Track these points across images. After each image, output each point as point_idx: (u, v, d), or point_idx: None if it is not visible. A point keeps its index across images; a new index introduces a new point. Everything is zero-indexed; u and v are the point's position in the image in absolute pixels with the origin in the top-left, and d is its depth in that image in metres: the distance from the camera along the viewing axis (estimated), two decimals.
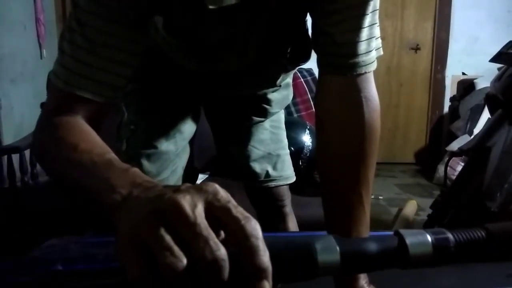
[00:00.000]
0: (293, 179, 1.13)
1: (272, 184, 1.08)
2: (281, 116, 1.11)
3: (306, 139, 1.85)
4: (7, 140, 2.19)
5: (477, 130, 2.92)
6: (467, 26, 3.68)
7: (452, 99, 3.72)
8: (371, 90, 0.66)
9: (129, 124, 0.95)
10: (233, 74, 0.88)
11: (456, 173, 2.06)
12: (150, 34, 0.69)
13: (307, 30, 0.86)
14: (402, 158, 3.98)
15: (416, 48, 3.84)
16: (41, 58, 2.76)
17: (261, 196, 1.11)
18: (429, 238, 0.33)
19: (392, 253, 0.33)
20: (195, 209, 0.31)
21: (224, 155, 1.12)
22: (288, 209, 1.14)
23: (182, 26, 0.72)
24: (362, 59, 0.64)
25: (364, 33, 0.64)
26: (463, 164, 2.21)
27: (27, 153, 1.91)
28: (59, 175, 0.52)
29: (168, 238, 0.30)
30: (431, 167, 3.55)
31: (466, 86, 3.54)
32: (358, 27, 0.63)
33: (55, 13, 3.12)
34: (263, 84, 0.97)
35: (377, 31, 0.66)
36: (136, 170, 0.42)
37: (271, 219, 1.13)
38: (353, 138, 0.65)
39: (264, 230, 0.32)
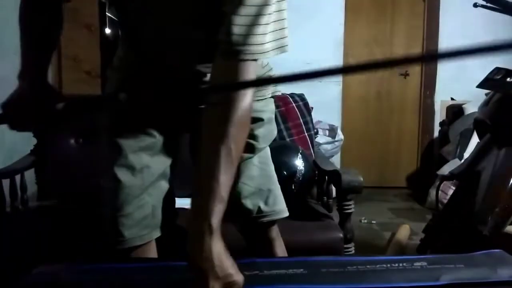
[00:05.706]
0: (285, 213, 1.11)
1: (265, 219, 1.08)
2: (268, 152, 1.11)
3: (299, 163, 1.85)
4: None
5: (467, 154, 2.95)
6: None
7: (441, 123, 3.77)
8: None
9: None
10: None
11: (448, 197, 2.06)
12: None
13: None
14: (394, 182, 3.99)
15: (406, 74, 3.91)
16: None
17: (252, 229, 1.11)
18: None
19: None
20: None
21: None
22: (275, 232, 1.13)
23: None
24: (249, 48, 0.77)
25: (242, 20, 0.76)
26: (454, 188, 2.23)
27: (17, 178, 1.89)
28: None
29: None
30: (423, 191, 3.56)
31: (455, 111, 3.59)
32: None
33: None
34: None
35: (270, 28, 0.79)
36: None
37: (258, 245, 1.13)
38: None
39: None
